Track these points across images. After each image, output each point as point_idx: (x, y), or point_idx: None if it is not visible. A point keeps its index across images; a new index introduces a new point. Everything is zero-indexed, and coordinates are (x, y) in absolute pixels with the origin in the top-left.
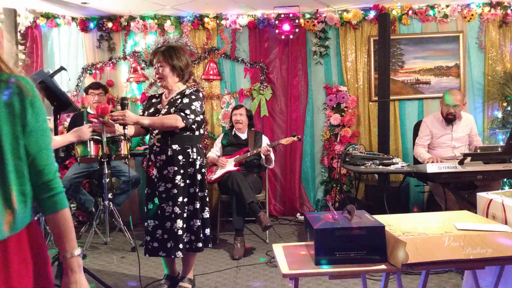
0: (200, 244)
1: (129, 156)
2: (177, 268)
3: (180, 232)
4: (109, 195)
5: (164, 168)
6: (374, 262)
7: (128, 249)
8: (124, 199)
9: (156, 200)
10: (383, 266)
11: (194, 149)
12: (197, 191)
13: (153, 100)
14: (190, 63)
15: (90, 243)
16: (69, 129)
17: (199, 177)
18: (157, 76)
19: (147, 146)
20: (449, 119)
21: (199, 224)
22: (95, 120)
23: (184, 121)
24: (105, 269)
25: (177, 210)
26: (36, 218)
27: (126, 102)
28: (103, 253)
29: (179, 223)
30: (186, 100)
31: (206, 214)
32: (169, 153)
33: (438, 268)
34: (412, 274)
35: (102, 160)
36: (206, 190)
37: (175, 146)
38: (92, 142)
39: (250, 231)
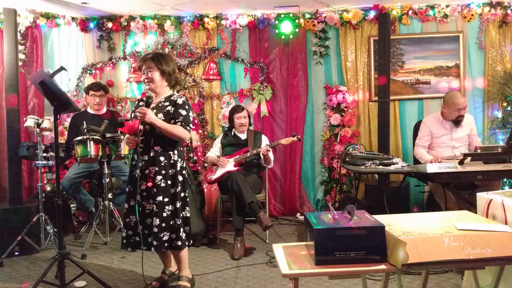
0: (179, 243)
1: (129, 156)
2: (173, 264)
3: (155, 229)
4: (109, 195)
5: (146, 168)
6: (374, 262)
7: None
8: (124, 199)
9: (138, 198)
10: (383, 266)
11: (175, 151)
12: (177, 191)
13: (141, 104)
14: (176, 69)
15: (90, 243)
16: (69, 129)
17: (180, 178)
18: (146, 80)
19: None
20: (459, 121)
21: (180, 223)
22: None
23: (188, 134)
24: (105, 269)
25: (155, 208)
26: (35, 218)
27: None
28: (103, 253)
29: (156, 221)
30: (183, 112)
31: (187, 213)
32: (151, 154)
33: (438, 268)
34: (412, 274)
35: (102, 160)
36: (187, 191)
37: (157, 148)
38: (92, 142)
39: (250, 231)
